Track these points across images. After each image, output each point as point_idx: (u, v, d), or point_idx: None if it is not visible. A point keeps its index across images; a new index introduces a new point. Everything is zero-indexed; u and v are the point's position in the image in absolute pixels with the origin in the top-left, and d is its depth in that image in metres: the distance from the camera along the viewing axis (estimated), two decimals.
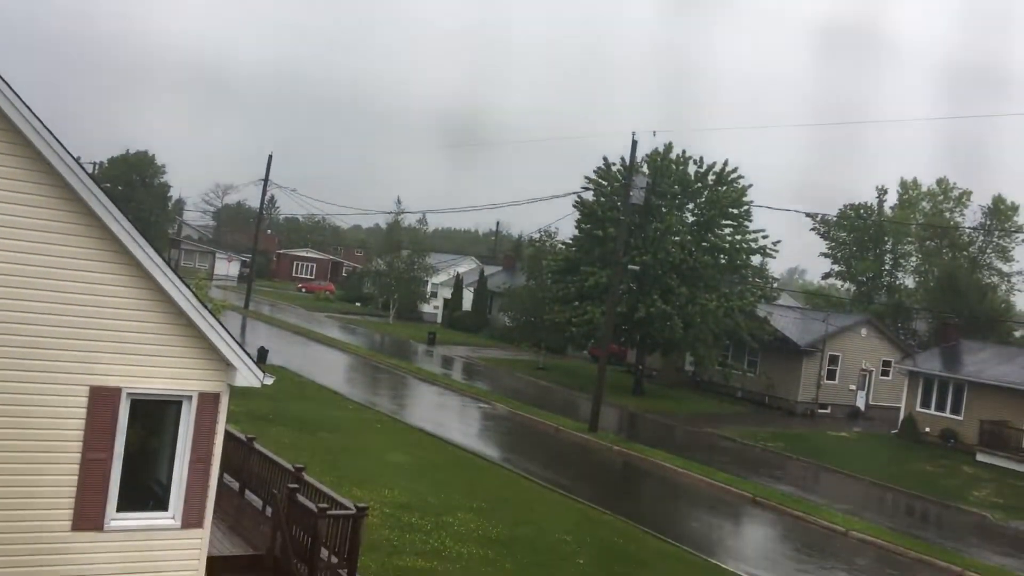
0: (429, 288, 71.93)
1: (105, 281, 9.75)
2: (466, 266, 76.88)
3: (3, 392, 9.29)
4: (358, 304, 78.39)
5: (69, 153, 9.46)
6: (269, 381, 10.79)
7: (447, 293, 72.51)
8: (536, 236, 59.90)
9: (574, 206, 44.46)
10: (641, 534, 20.08)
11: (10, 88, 9.12)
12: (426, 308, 73.02)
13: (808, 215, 35.20)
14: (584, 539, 18.76)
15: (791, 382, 45.51)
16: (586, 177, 44.52)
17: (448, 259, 77.91)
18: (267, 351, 37.08)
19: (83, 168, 9.64)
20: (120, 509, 9.93)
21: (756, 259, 45.60)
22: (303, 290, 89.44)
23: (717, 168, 43.86)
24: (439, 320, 70.65)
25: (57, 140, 9.35)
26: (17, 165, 9.26)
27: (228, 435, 13.76)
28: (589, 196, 44.06)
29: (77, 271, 9.62)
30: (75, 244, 9.57)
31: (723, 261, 43.65)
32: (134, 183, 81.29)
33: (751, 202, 43.55)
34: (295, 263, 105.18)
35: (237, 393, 10.63)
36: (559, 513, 20.73)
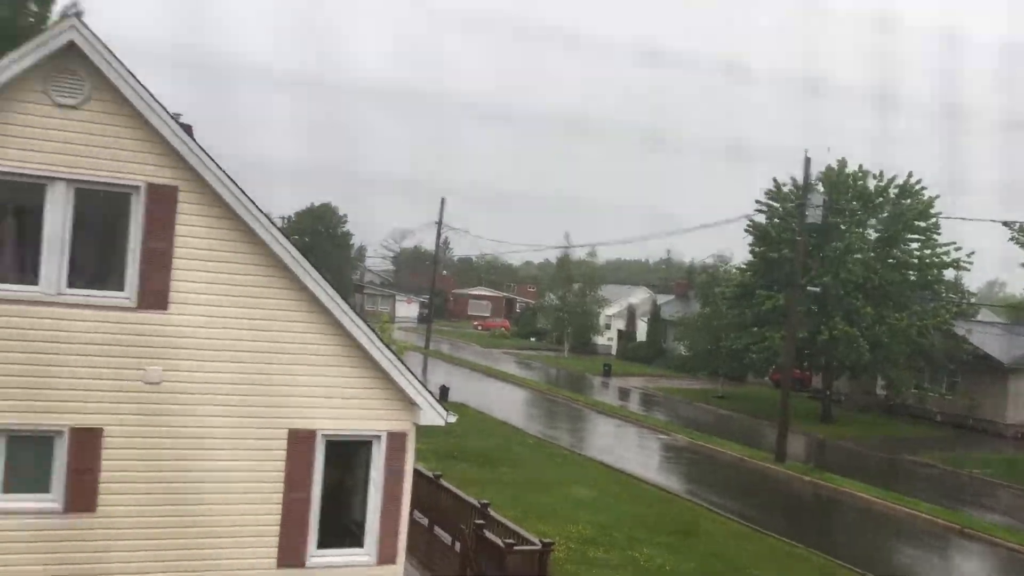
0: (602, 320, 71.84)
1: (300, 329, 10.34)
2: (638, 296, 76.35)
3: (211, 436, 9.96)
4: (533, 339, 79.27)
5: (273, 223, 10.18)
6: (452, 419, 11.04)
7: (620, 324, 72.16)
8: (708, 262, 58.77)
9: (746, 230, 43.36)
10: (842, 570, 19.05)
11: (218, 166, 9.87)
12: (600, 340, 72.92)
13: (1005, 224, 32.69)
14: None
15: (998, 403, 42.21)
16: (757, 200, 43.41)
17: (620, 290, 77.65)
18: (448, 389, 38.02)
19: (284, 235, 10.32)
20: (320, 546, 10.39)
21: (949, 273, 42.85)
22: (479, 328, 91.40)
23: (900, 181, 41.65)
24: (613, 352, 70.34)
25: (264, 214, 10.09)
26: (231, 237, 10.02)
27: (416, 472, 14.16)
28: (761, 219, 42.86)
29: (277, 322, 10.25)
30: (276, 299, 10.24)
31: (912, 278, 41.24)
32: (319, 233, 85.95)
33: (939, 214, 41.03)
34: (470, 302, 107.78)
35: (422, 431, 10.94)
36: (750, 547, 20.00)
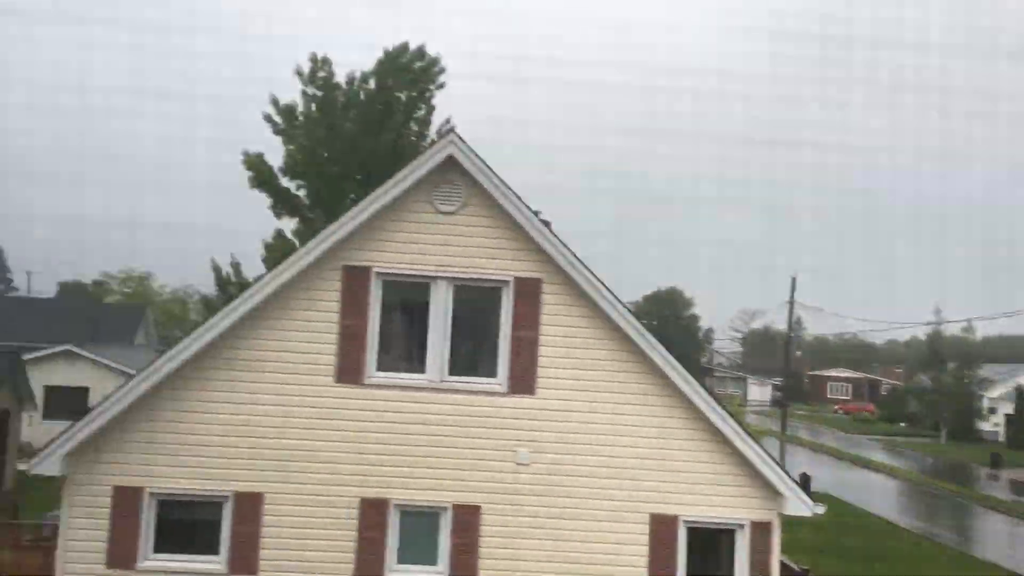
0: (985, 403, 64.52)
1: (659, 414, 10.52)
2: None
3: (575, 517, 10.35)
4: (902, 424, 73.04)
5: (628, 309, 10.60)
6: (820, 510, 10.51)
7: (1008, 408, 64.28)
8: None
9: None
10: None
11: (576, 258, 10.52)
12: (984, 426, 65.40)
13: None
14: None
15: None
16: None
17: (1005, 369, 69.41)
18: (810, 478, 36.07)
19: (639, 320, 10.66)
20: None
21: None
22: (840, 412, 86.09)
23: None
24: (1001, 438, 62.66)
25: (619, 301, 10.55)
26: (591, 324, 10.60)
27: (782, 565, 13.55)
28: None
29: (636, 406, 10.54)
30: (634, 383, 10.55)
31: None
32: (666, 318, 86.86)
33: None
34: (829, 384, 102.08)
35: (786, 521, 10.53)
36: None
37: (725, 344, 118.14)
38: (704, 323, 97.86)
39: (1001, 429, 64.16)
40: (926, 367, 63.18)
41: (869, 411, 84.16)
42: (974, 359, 61.47)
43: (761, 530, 10.40)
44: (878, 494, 37.68)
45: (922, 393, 63.95)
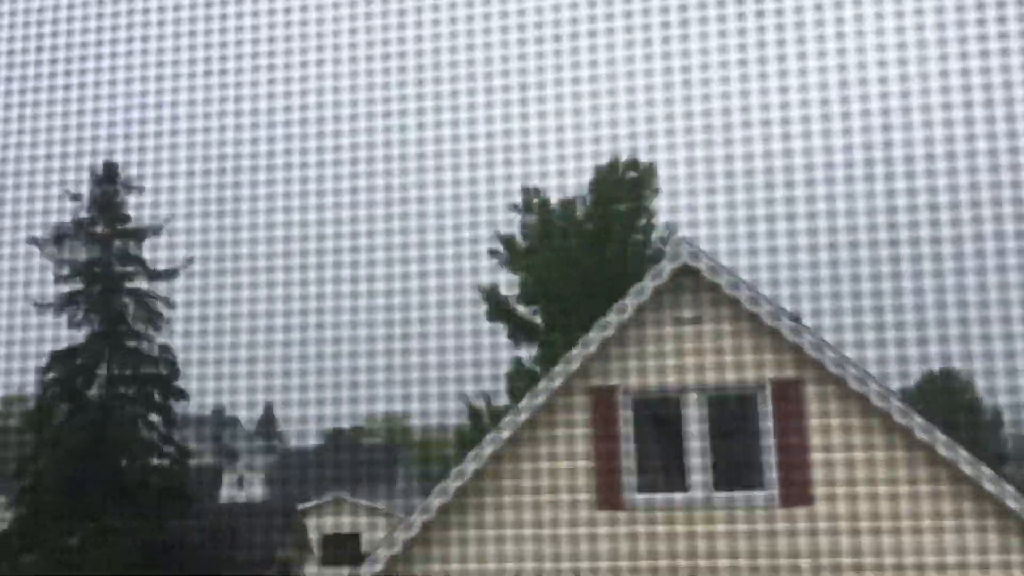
0: None
1: (967, 527, 9.62)
2: None
3: None
4: None
5: (904, 400, 9.95)
6: None
7: None
8: None
9: None
10: None
11: (836, 353, 10.05)
12: None
13: None
14: None
15: None
16: None
17: None
18: None
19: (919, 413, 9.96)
20: None
21: None
22: None
23: None
24: None
25: (894, 393, 9.94)
26: (865, 424, 10.02)
27: None
28: None
29: (933, 518, 9.72)
30: (925, 486, 9.76)
31: None
32: (944, 405, 79.99)
33: None
34: None
35: None
36: None
37: None
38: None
39: None
40: None
41: None
42: None
43: None
44: None
45: None
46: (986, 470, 9.52)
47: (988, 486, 9.49)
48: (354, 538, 30.95)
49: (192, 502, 23.30)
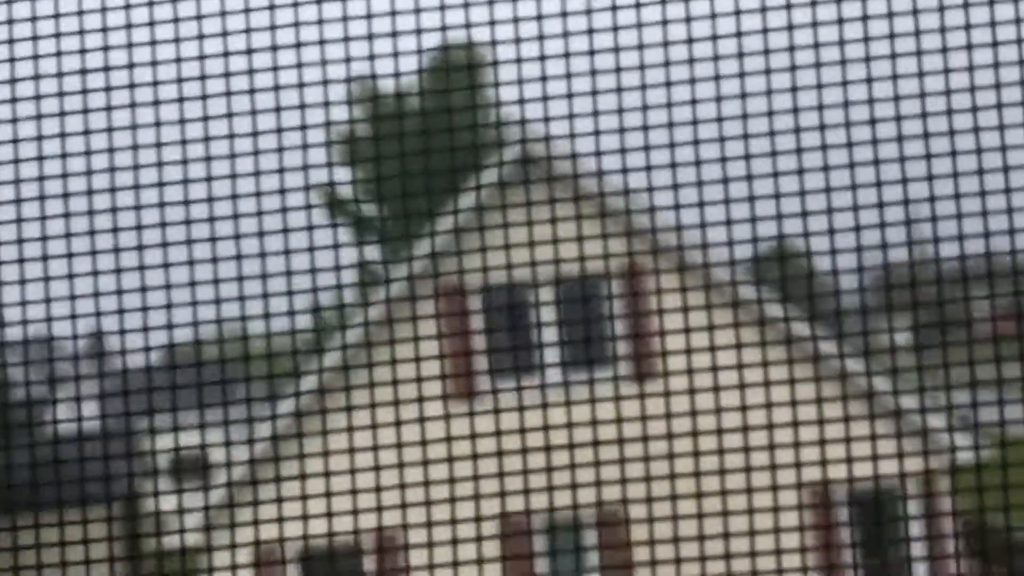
0: None
1: (792, 373, 10.29)
2: None
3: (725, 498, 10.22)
4: None
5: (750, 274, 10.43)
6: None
7: None
8: None
9: None
10: None
11: None
12: None
13: None
14: None
15: None
16: None
17: None
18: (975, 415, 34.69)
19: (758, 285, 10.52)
20: None
21: None
22: None
23: None
24: None
25: (738, 268, 10.41)
26: (714, 305, 10.47)
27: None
28: None
29: (772, 381, 10.34)
30: (759, 355, 10.34)
31: None
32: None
33: None
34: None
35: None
36: None
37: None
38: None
39: None
40: None
41: None
42: None
43: (928, 487, 10.07)
44: None
45: None
46: (824, 339, 10.20)
47: (825, 350, 10.20)
48: (200, 459, 30.52)
49: (17, 435, 22.28)
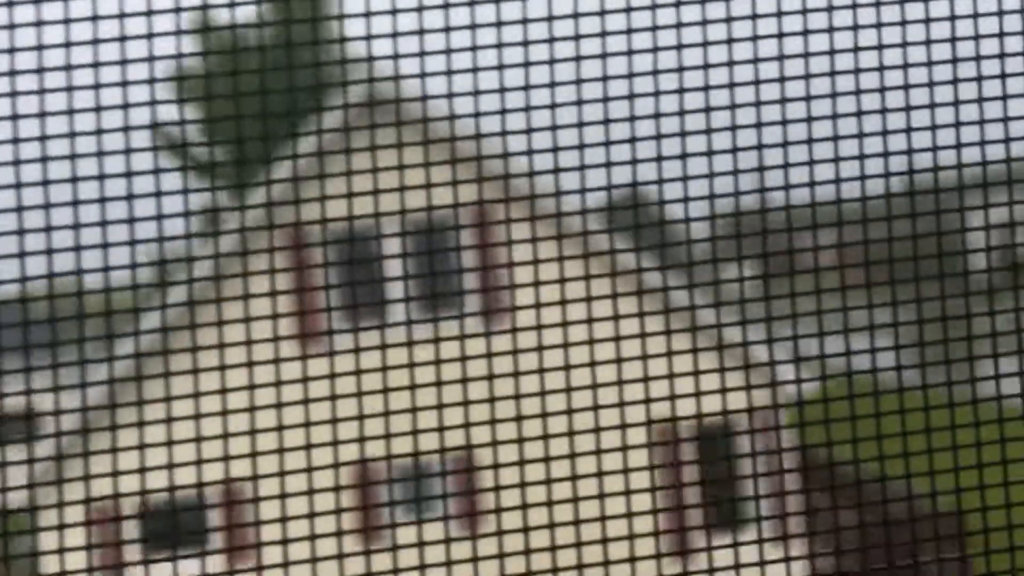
0: None
1: (640, 313, 10.58)
2: None
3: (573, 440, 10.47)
4: None
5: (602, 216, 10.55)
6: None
7: None
8: None
9: None
10: None
11: None
12: None
13: None
14: None
15: None
16: None
17: None
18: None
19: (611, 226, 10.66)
20: None
21: None
22: None
23: None
24: None
25: (589, 212, 10.49)
26: (565, 250, 10.55)
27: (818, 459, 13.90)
28: None
29: (620, 321, 10.58)
30: (609, 296, 10.56)
31: None
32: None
33: None
34: None
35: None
36: None
37: None
38: None
39: None
40: None
41: None
42: None
43: (769, 419, 10.59)
44: None
45: None
46: (676, 286, 10.49)
47: (676, 298, 10.50)
48: (31, 415, 29.07)
49: None
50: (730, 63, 1.53)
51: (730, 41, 1.52)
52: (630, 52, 1.64)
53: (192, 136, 24.06)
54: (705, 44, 1.53)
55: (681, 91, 1.66)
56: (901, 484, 13.32)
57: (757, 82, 1.54)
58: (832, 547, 14.06)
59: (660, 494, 10.43)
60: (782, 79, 1.55)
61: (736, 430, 10.56)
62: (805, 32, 1.52)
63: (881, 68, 1.64)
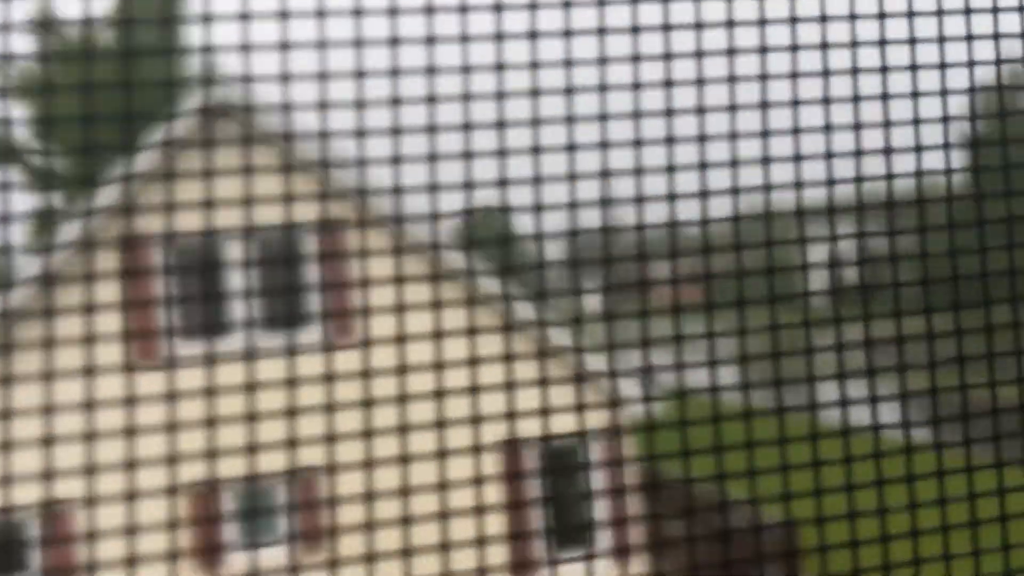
0: None
1: (486, 332, 10.65)
2: None
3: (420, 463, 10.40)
4: None
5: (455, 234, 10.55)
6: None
7: None
8: None
9: None
10: None
11: None
12: None
13: None
14: None
15: None
16: None
17: None
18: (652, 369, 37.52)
19: (462, 243, 10.68)
20: None
21: None
22: None
23: None
24: None
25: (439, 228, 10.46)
26: (414, 266, 10.49)
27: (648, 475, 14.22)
28: None
29: (469, 340, 10.60)
30: (460, 316, 10.58)
31: None
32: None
33: None
34: None
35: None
36: None
37: None
38: None
39: None
40: None
41: None
42: None
43: (612, 437, 10.82)
44: None
45: None
46: (526, 305, 10.60)
47: (524, 316, 10.61)
48: None
49: None
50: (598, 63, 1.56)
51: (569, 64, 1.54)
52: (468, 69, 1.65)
53: (28, 141, 22.83)
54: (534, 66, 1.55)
55: (535, 125, 1.68)
56: (734, 498, 13.85)
57: (604, 118, 1.58)
58: (672, 561, 14.42)
59: (504, 510, 10.50)
60: (637, 115, 1.59)
61: (580, 448, 10.76)
62: (669, 56, 1.56)
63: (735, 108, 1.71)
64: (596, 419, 10.84)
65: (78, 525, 9.56)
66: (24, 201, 23.23)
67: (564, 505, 11.04)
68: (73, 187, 22.44)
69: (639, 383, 11.03)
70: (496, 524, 10.53)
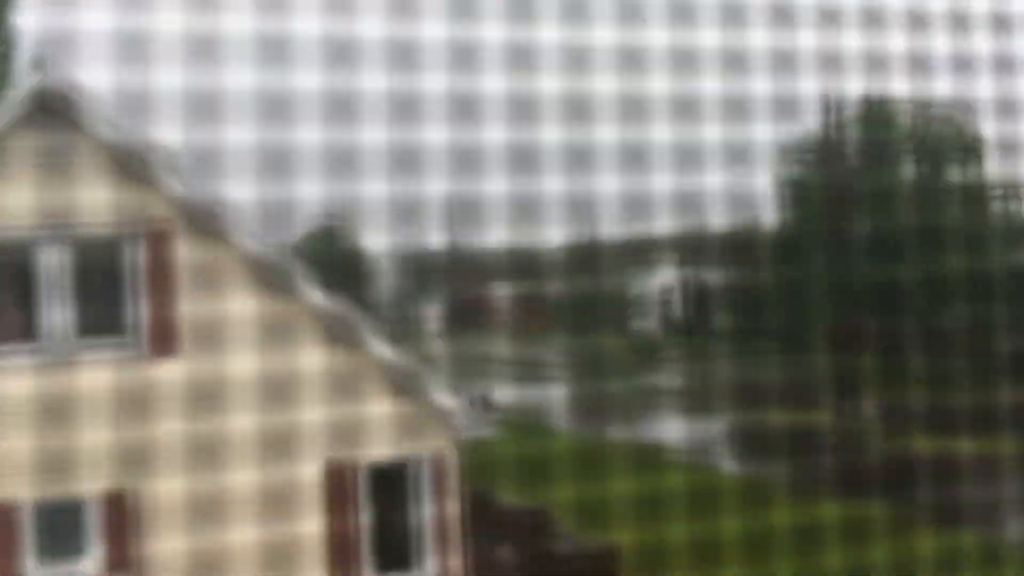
0: None
1: (320, 352, 10.39)
2: None
3: (242, 485, 10.01)
4: None
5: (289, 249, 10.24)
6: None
7: None
8: None
9: None
10: None
11: None
12: None
13: None
14: None
15: None
16: None
17: None
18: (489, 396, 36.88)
19: (297, 260, 10.43)
20: None
21: None
22: None
23: None
24: None
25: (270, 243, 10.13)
26: (245, 278, 10.11)
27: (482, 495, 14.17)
28: None
29: (300, 358, 10.27)
30: (288, 332, 10.27)
31: None
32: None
33: None
34: None
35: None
36: None
37: None
38: None
39: None
40: None
41: None
42: None
43: (442, 461, 10.78)
44: None
45: None
46: (361, 321, 10.47)
47: (362, 335, 10.45)
48: None
49: None
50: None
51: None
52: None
53: None
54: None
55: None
56: (559, 523, 14.08)
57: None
58: None
59: (330, 533, 10.28)
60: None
61: (409, 470, 10.67)
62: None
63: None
64: (425, 442, 10.80)
65: None
66: None
67: (390, 529, 10.93)
68: None
69: (470, 407, 11.10)
70: (319, 548, 10.29)
